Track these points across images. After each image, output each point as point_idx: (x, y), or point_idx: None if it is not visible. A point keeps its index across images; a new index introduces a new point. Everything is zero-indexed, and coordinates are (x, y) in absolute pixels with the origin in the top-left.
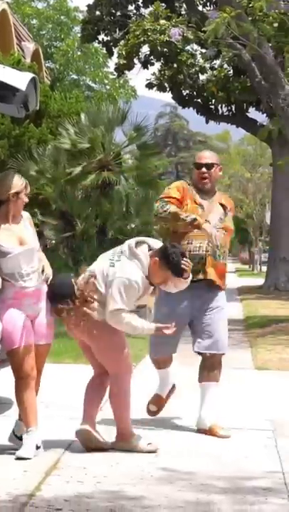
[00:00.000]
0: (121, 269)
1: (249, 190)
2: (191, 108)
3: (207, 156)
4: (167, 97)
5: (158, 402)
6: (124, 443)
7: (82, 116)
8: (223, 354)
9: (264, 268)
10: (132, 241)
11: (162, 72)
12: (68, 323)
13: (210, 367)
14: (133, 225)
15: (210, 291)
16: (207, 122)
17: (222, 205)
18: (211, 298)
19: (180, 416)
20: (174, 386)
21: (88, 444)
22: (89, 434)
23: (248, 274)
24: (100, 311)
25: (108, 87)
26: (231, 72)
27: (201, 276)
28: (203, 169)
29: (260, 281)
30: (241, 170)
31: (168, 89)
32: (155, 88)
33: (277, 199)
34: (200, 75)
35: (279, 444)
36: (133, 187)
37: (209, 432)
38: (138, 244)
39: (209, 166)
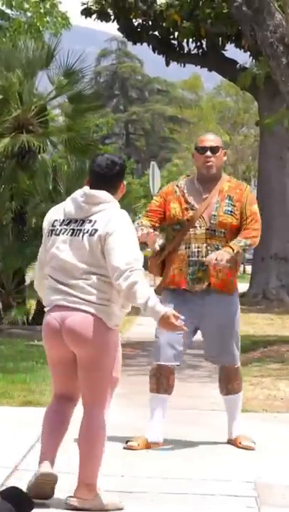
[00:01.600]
0: (111, 220)
1: (228, 160)
2: (145, 44)
3: (211, 139)
4: (113, 28)
5: (143, 442)
6: (89, 497)
7: None
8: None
9: (249, 268)
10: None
11: None
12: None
13: (227, 379)
14: None
15: (218, 301)
16: (168, 64)
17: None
18: (220, 307)
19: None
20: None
21: (49, 493)
22: (54, 479)
23: (242, 279)
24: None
25: (29, 13)
26: None
27: (204, 286)
28: (208, 153)
29: (243, 286)
30: (217, 131)
31: (112, 17)
32: (94, 16)
33: (266, 171)
34: None
35: None
36: (64, 155)
37: (234, 442)
38: None
39: (214, 150)
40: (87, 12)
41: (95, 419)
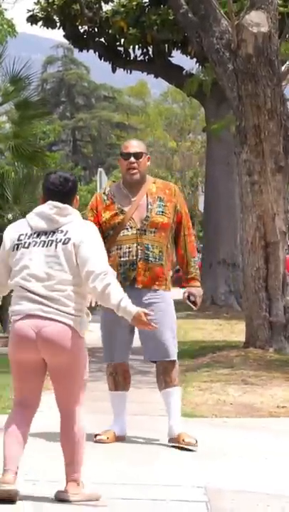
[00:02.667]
0: (81, 229)
1: (175, 166)
2: (91, 51)
3: (134, 145)
4: (59, 35)
5: (110, 435)
6: (76, 491)
7: None
8: (175, 360)
9: None
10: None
11: (50, 0)
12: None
13: (164, 372)
14: (10, 216)
15: (148, 298)
16: (114, 71)
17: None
18: (151, 304)
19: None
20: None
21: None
22: (15, 493)
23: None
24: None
25: None
26: (147, 0)
27: (135, 284)
28: (132, 159)
29: None
30: (164, 137)
31: (58, 24)
32: (40, 23)
33: (214, 177)
34: (103, 4)
35: None
36: (11, 162)
37: (176, 440)
38: None
39: (138, 156)
40: (33, 19)
41: (76, 419)
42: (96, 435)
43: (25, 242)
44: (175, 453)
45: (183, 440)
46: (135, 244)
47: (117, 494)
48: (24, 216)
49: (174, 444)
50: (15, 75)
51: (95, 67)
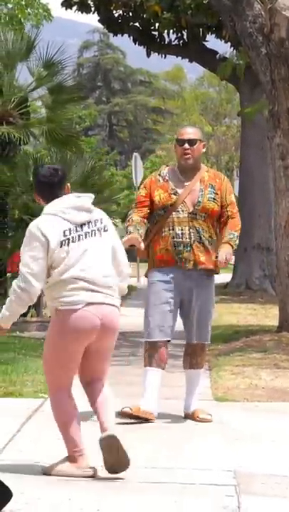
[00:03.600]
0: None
1: (210, 150)
2: (126, 35)
3: (189, 132)
4: (94, 19)
5: (136, 408)
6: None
7: None
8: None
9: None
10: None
11: None
12: None
13: (192, 354)
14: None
15: (199, 279)
16: (149, 55)
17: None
18: (201, 285)
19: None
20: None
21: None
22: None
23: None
24: None
25: (10, 5)
26: None
27: (189, 265)
28: (186, 145)
29: (227, 277)
30: (200, 121)
31: (93, 8)
32: (75, 8)
33: (248, 161)
34: None
35: (243, 505)
36: (46, 147)
37: (192, 416)
38: None
39: (192, 142)
40: (67, 4)
41: (109, 388)
42: (122, 408)
43: (72, 237)
44: (206, 437)
45: (198, 416)
46: (187, 227)
47: (146, 478)
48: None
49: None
50: (49, 59)
51: (131, 51)
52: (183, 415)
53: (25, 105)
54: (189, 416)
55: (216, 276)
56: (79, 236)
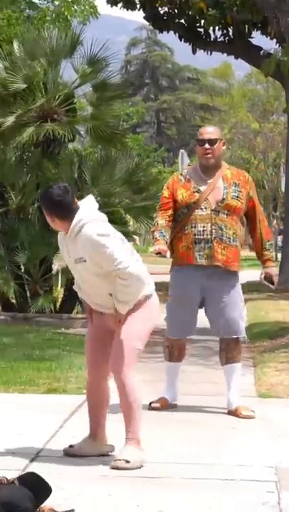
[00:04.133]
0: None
1: (258, 147)
2: (171, 32)
3: (209, 132)
4: (142, 16)
5: (163, 403)
6: (133, 448)
7: (16, 45)
8: (239, 337)
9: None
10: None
11: None
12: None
13: (227, 349)
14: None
15: (221, 275)
16: (194, 52)
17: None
18: (223, 281)
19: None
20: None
21: None
22: None
23: (259, 265)
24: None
25: (57, 2)
26: None
27: (209, 261)
28: (206, 145)
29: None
30: (247, 118)
31: (138, 5)
32: (120, 5)
33: None
34: None
35: (283, 501)
36: (91, 145)
37: (235, 413)
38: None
39: (212, 142)
40: (113, 1)
41: None
42: (150, 403)
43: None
44: (249, 433)
45: (240, 413)
46: (210, 224)
47: (187, 474)
48: (103, 196)
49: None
50: (93, 56)
51: (178, 48)
52: (226, 412)
53: (71, 102)
54: (232, 413)
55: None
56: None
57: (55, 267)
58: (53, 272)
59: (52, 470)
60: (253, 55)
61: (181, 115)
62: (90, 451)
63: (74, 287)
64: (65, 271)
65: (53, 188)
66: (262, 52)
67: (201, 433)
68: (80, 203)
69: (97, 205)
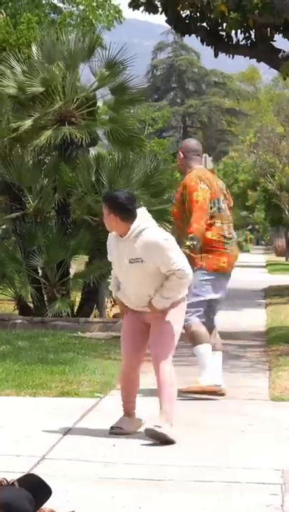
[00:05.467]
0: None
1: (283, 151)
2: (193, 36)
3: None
4: None
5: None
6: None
7: (34, 48)
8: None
9: None
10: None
11: None
12: None
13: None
14: None
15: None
16: (216, 55)
17: None
18: None
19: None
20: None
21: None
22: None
23: (284, 269)
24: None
25: (82, 7)
26: None
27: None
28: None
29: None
30: (273, 122)
31: (160, 9)
32: (142, 8)
33: None
34: None
35: (287, 504)
36: (112, 150)
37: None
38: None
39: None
40: (134, 4)
41: None
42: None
43: None
44: (258, 436)
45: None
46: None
47: (191, 476)
48: None
49: None
50: (110, 59)
51: (205, 52)
52: (235, 415)
53: (90, 104)
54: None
55: (284, 277)
56: None
57: (73, 270)
58: (70, 275)
59: (57, 473)
60: (275, 58)
61: (207, 119)
62: (130, 429)
63: (110, 287)
64: (83, 274)
65: (121, 191)
66: (280, 54)
67: (209, 435)
68: (138, 211)
69: (150, 215)
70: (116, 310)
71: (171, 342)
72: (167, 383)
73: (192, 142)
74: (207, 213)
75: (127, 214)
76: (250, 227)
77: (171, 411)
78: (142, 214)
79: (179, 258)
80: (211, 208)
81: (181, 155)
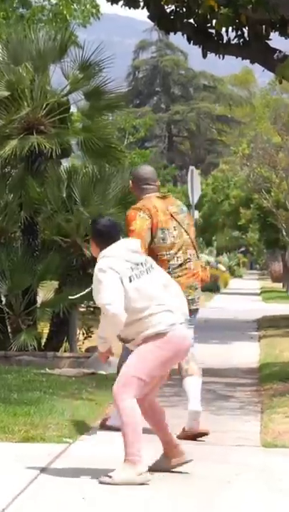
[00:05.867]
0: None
1: (280, 164)
2: (179, 34)
3: None
4: None
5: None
6: (122, 466)
7: None
8: None
9: None
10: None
11: None
12: None
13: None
14: (78, 220)
15: None
16: (205, 56)
17: None
18: None
19: None
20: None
21: None
22: None
23: (280, 298)
24: None
25: (54, 0)
26: None
27: None
28: None
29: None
30: (269, 131)
31: (141, 3)
32: (121, 3)
33: None
34: None
35: None
36: (86, 162)
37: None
38: None
39: None
40: None
41: None
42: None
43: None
44: (246, 486)
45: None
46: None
47: None
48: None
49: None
50: (84, 60)
51: (193, 52)
52: (221, 463)
53: (62, 110)
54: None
55: (281, 306)
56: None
57: (40, 298)
58: (37, 304)
59: None
60: (270, 59)
61: (195, 128)
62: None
63: None
64: (51, 303)
65: (107, 218)
66: (276, 55)
67: (192, 486)
68: (120, 241)
69: (131, 244)
70: (90, 343)
71: (129, 379)
72: (120, 420)
73: (142, 171)
74: (146, 241)
75: (101, 241)
76: (242, 249)
77: (127, 450)
78: (118, 244)
79: (106, 293)
80: (152, 239)
81: (132, 185)
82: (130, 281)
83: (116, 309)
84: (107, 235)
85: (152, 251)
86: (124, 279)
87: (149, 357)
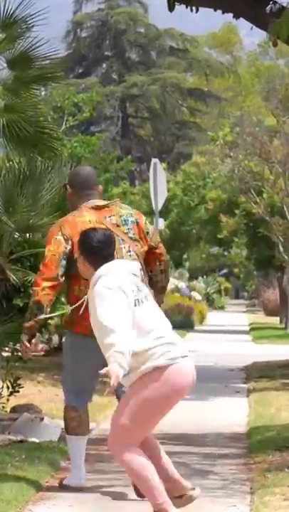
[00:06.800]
0: None
1: (274, 154)
2: None
3: None
4: None
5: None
6: None
7: None
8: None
9: None
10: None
11: None
12: None
13: None
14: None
15: None
16: (172, 8)
17: None
18: None
19: None
20: None
21: None
22: None
23: (276, 337)
24: None
25: None
26: None
27: None
28: None
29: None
30: (259, 110)
31: None
32: None
33: None
34: None
35: None
36: (10, 154)
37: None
38: None
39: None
40: None
41: None
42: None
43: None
44: None
45: None
46: None
47: None
48: (22, 231)
49: None
50: (8, 15)
51: (156, 3)
52: None
53: None
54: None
55: (277, 348)
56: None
57: None
58: None
59: None
60: (261, 13)
61: (159, 105)
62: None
63: None
64: None
65: (100, 230)
66: (268, 6)
67: None
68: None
69: (131, 265)
70: (17, 401)
71: (120, 431)
72: (130, 475)
73: (81, 172)
74: (54, 273)
75: (96, 260)
76: (225, 271)
77: (151, 501)
78: (118, 263)
79: (104, 311)
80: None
81: (69, 190)
82: (135, 305)
83: (115, 338)
84: (105, 252)
85: (74, 280)
86: (131, 304)
87: (146, 401)
